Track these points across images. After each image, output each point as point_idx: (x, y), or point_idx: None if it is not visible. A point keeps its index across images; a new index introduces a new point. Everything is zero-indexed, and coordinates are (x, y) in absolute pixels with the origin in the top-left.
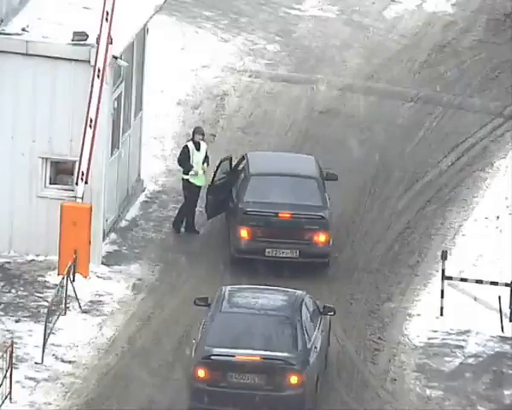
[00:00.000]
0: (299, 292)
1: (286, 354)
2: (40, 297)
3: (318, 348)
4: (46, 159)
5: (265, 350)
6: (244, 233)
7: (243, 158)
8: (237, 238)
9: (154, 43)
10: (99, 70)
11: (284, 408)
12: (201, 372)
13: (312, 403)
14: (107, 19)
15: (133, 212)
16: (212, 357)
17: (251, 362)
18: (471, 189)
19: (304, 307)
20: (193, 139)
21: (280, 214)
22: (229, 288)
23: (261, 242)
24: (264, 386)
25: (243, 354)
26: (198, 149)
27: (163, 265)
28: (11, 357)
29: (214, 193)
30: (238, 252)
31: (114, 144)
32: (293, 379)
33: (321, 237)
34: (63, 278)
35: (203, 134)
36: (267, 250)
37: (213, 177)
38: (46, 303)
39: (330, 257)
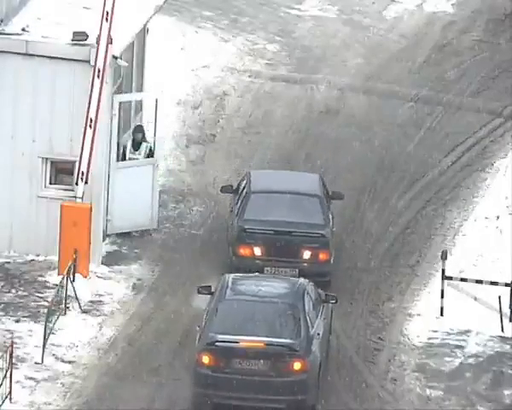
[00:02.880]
0: (301, 280)
1: (289, 341)
2: (40, 297)
3: (321, 335)
4: (46, 159)
5: (269, 337)
6: (243, 251)
7: (246, 176)
8: (236, 256)
9: (154, 43)
10: (99, 70)
11: (288, 394)
12: (206, 359)
13: (315, 389)
14: (107, 19)
15: None
16: (217, 343)
17: (255, 348)
18: (471, 189)
19: (306, 294)
20: None
21: (279, 232)
22: (232, 276)
23: (260, 260)
24: (267, 372)
25: (247, 341)
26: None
27: (163, 265)
28: (11, 357)
29: None
30: (237, 270)
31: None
32: (297, 365)
33: (321, 256)
34: (63, 278)
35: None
36: (266, 269)
37: None
38: (46, 303)
39: (331, 276)
